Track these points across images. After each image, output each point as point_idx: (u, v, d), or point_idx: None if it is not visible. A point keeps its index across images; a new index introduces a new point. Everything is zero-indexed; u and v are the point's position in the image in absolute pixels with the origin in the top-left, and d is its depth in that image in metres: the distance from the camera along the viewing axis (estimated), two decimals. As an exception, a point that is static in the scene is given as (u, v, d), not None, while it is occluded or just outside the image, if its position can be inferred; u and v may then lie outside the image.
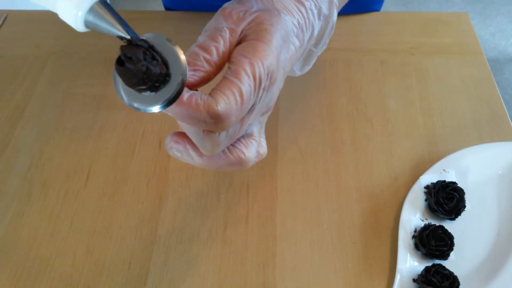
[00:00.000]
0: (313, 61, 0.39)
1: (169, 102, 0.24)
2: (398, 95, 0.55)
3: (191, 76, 0.27)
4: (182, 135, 0.30)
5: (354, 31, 0.62)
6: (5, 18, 0.66)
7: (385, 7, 0.71)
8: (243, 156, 0.30)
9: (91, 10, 0.23)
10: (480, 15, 1.94)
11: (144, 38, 0.24)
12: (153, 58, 0.23)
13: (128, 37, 0.23)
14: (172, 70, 0.24)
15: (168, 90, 0.24)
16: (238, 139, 0.31)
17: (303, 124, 0.53)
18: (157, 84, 0.23)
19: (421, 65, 0.58)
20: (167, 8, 0.71)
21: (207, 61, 0.27)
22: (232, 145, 0.30)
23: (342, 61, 0.59)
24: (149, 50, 0.23)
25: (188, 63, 0.27)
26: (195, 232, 0.45)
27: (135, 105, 0.24)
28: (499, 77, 1.70)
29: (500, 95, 0.55)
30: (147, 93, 0.24)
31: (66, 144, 0.52)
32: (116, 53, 0.23)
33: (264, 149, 0.34)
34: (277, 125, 0.53)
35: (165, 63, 0.24)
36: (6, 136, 0.52)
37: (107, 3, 0.23)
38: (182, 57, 0.24)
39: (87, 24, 0.23)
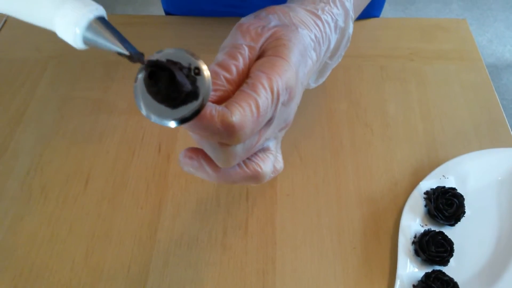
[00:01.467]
0: (328, 73, 0.39)
1: (185, 120, 0.23)
2: (397, 101, 0.56)
3: (211, 96, 0.26)
4: (196, 150, 0.29)
5: (354, 36, 0.62)
6: (5, 21, 0.66)
7: (384, 13, 0.71)
8: (259, 170, 0.30)
9: (89, 27, 0.22)
10: (478, 21, 1.96)
11: (166, 53, 0.23)
12: (187, 77, 0.23)
13: (127, 53, 0.22)
14: (198, 88, 0.23)
15: (187, 108, 0.23)
16: (255, 153, 0.30)
17: (302, 129, 0.53)
18: (179, 102, 0.23)
19: (420, 70, 0.59)
20: (167, 13, 0.71)
21: (227, 80, 0.27)
22: (248, 158, 0.30)
23: (341, 66, 0.59)
24: (183, 68, 0.23)
25: None
26: (194, 237, 0.45)
27: (153, 117, 0.23)
28: (497, 83, 1.71)
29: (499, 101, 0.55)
30: (167, 107, 0.23)
31: (66, 147, 0.52)
32: (140, 67, 0.23)
33: (280, 164, 0.33)
34: (277, 130, 0.53)
35: (193, 82, 0.23)
36: (6, 139, 0.52)
37: (105, 19, 0.23)
38: (207, 74, 0.23)
39: (85, 41, 0.23)
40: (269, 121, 0.28)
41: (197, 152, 0.29)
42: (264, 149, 0.31)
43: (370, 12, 0.65)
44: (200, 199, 0.48)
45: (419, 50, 0.61)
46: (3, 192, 0.48)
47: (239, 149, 0.27)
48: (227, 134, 0.25)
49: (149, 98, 0.23)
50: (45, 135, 0.53)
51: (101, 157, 0.51)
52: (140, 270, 0.43)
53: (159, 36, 0.64)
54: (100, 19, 0.23)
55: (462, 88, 0.57)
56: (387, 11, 1.98)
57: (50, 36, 0.63)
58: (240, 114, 0.25)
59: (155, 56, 0.24)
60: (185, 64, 0.23)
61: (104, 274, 0.43)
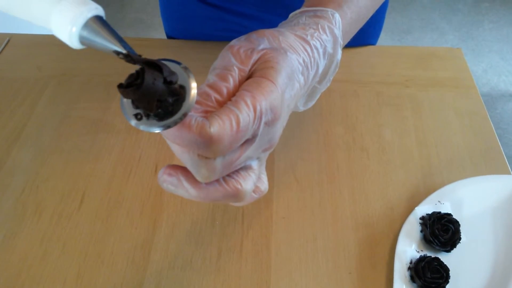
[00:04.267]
0: (317, 97, 0.39)
1: (168, 126, 0.24)
2: (393, 126, 0.56)
3: (200, 114, 0.26)
4: (175, 167, 0.29)
5: (351, 63, 0.64)
6: (8, 41, 0.67)
7: (380, 42, 0.73)
8: (239, 187, 0.29)
9: (86, 25, 0.22)
10: (473, 52, 2.00)
11: (163, 62, 0.24)
12: (170, 86, 0.23)
13: (125, 51, 0.22)
14: (182, 101, 0.24)
15: (169, 117, 0.24)
16: (236, 171, 0.30)
17: (299, 152, 0.53)
18: (160, 111, 0.23)
19: (416, 97, 0.60)
20: (169, 37, 0.73)
21: (217, 101, 0.27)
22: (228, 175, 0.30)
23: (338, 92, 0.60)
24: (168, 77, 0.23)
25: (199, 102, 0.27)
26: (188, 259, 0.44)
27: (133, 123, 0.24)
28: (492, 112, 1.73)
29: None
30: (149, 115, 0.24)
31: (62, 166, 0.52)
32: (124, 74, 0.23)
33: (265, 185, 0.33)
34: (274, 152, 0.53)
35: (178, 93, 0.24)
36: (3, 156, 0.52)
37: (103, 18, 0.23)
38: (193, 92, 0.24)
39: (82, 40, 0.23)
40: (252, 139, 0.29)
41: (175, 169, 0.29)
42: (246, 167, 0.31)
43: (366, 40, 0.67)
44: (195, 220, 0.47)
45: (415, 77, 0.62)
46: (-4, 209, 0.48)
47: (218, 164, 0.27)
48: (204, 145, 0.25)
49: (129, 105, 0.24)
50: (42, 153, 0.53)
51: (97, 177, 0.51)
52: (132, 291, 0.42)
53: (161, 58, 0.65)
54: (97, 18, 0.23)
55: (457, 115, 0.57)
56: (383, 40, 2.02)
57: (51, 56, 0.65)
58: (219, 126, 0.25)
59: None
60: (170, 72, 0.24)
61: (95, 295, 0.42)
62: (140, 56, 0.23)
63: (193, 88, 0.24)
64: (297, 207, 0.48)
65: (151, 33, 2.05)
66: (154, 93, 0.22)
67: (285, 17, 0.64)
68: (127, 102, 0.24)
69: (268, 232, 0.47)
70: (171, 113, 0.24)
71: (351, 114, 0.57)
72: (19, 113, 0.57)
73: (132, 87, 0.22)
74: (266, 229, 0.47)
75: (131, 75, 0.23)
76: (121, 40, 0.22)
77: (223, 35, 0.67)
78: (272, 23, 0.65)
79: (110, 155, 0.53)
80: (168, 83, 0.23)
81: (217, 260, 0.44)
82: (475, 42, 2.05)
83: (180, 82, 0.24)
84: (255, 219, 0.47)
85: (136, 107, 0.24)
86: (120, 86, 0.23)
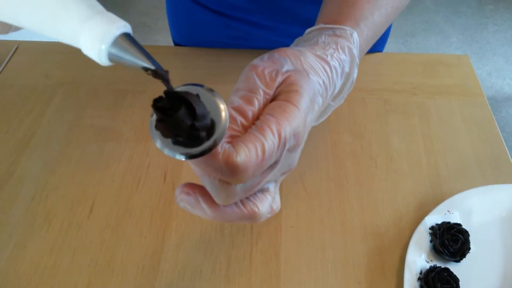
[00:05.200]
0: (329, 113, 0.39)
1: (193, 157, 0.23)
2: (401, 134, 0.56)
3: (226, 140, 0.26)
4: (193, 186, 0.29)
5: (358, 70, 0.64)
6: (16, 48, 0.68)
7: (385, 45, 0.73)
8: (256, 210, 0.29)
9: (115, 43, 0.22)
10: (477, 55, 1.99)
11: (186, 89, 0.23)
12: (202, 117, 0.22)
13: (153, 67, 0.22)
14: (213, 128, 0.23)
15: (197, 145, 0.23)
16: (253, 193, 0.30)
17: (307, 161, 0.53)
18: (190, 141, 0.23)
19: (423, 105, 0.60)
20: (176, 43, 0.73)
21: (243, 125, 0.27)
22: (246, 197, 0.30)
23: (346, 100, 0.59)
24: (196, 108, 0.22)
25: None
26: (198, 269, 0.45)
27: (166, 151, 0.23)
28: (497, 115, 1.72)
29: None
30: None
31: (72, 175, 0.52)
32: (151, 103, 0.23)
33: (277, 205, 0.33)
34: (282, 161, 0.53)
35: (210, 124, 0.23)
36: (12, 165, 0.53)
37: (131, 35, 0.23)
38: (224, 121, 0.23)
39: (110, 57, 0.23)
40: (273, 165, 0.28)
41: (194, 188, 0.28)
42: (263, 190, 0.31)
43: (373, 47, 0.67)
44: (204, 229, 0.47)
45: (422, 84, 0.62)
46: (7, 218, 0.48)
47: (239, 189, 0.27)
48: (229, 173, 0.25)
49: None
50: (51, 162, 0.53)
51: (106, 185, 0.51)
52: (142, 301, 0.42)
53: (167, 65, 0.65)
54: (126, 35, 0.23)
55: (464, 123, 0.57)
56: (387, 43, 2.02)
57: (59, 63, 0.65)
58: (246, 155, 0.25)
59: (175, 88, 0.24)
60: (202, 110, 0.23)
61: (106, 305, 0.42)
62: (167, 72, 0.23)
63: (223, 112, 0.23)
64: (305, 216, 0.48)
65: (155, 37, 2.06)
66: (185, 127, 0.22)
67: (291, 24, 0.64)
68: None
69: (277, 242, 0.47)
70: (200, 140, 0.23)
71: (359, 122, 0.57)
72: (28, 121, 0.57)
73: (163, 121, 0.22)
74: (275, 238, 0.47)
75: (160, 99, 0.22)
76: (149, 57, 0.22)
77: (230, 43, 0.67)
78: (279, 31, 0.66)
79: (119, 163, 0.53)
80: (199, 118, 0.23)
81: (227, 270, 0.45)
82: (479, 45, 2.04)
83: (210, 109, 0.23)
84: (264, 229, 0.48)
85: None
86: (155, 106, 0.22)
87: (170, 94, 0.22)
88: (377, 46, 0.68)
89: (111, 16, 0.23)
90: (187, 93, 0.22)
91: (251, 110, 0.27)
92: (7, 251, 0.45)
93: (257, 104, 0.28)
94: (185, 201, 0.28)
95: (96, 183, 0.51)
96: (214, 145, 0.23)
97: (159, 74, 0.22)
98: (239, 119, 0.27)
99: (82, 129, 0.56)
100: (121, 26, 0.23)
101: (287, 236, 0.47)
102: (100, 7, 0.23)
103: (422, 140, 0.56)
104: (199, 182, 0.29)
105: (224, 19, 0.65)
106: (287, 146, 0.28)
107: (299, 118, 0.28)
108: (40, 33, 0.24)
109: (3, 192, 0.50)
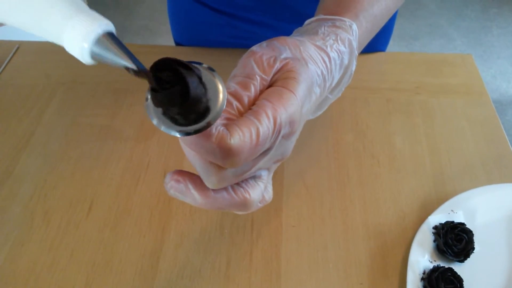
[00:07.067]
0: (327, 106, 0.39)
1: (187, 134, 0.23)
2: (404, 133, 0.55)
3: (221, 122, 0.26)
4: (183, 173, 0.28)
5: (361, 69, 0.63)
6: (17, 48, 0.68)
7: (388, 48, 0.72)
8: (247, 196, 0.29)
9: (98, 41, 0.22)
10: (481, 58, 1.98)
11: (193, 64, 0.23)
12: (204, 89, 0.22)
13: (135, 67, 0.22)
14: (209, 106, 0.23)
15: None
16: (245, 179, 0.30)
17: (309, 160, 0.52)
18: (191, 115, 0.23)
19: (426, 104, 0.59)
20: (178, 43, 0.73)
21: (238, 110, 0.27)
22: (237, 184, 0.29)
23: (348, 98, 0.59)
24: (201, 80, 0.22)
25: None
26: (197, 268, 0.44)
27: (155, 122, 0.23)
28: (502, 118, 1.71)
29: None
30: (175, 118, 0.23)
31: (71, 173, 0.51)
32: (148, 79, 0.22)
33: (269, 195, 0.32)
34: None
35: (204, 106, 0.23)
36: (11, 164, 0.52)
37: (114, 35, 0.23)
38: (221, 99, 0.23)
39: (93, 56, 0.23)
40: (266, 151, 0.28)
41: (183, 175, 0.28)
42: (255, 177, 0.30)
43: (376, 46, 0.66)
44: (203, 228, 0.47)
45: (425, 84, 0.62)
46: (5, 216, 0.47)
47: (230, 173, 0.27)
48: (221, 156, 0.24)
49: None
50: (50, 160, 0.53)
51: (105, 184, 0.50)
52: (140, 301, 0.42)
53: (168, 65, 0.65)
54: (109, 34, 0.23)
55: (468, 122, 0.57)
56: (391, 46, 2.00)
57: (60, 63, 0.65)
58: (240, 138, 0.24)
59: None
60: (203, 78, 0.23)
61: (103, 304, 0.42)
62: (149, 71, 0.22)
63: (221, 94, 0.23)
64: (307, 216, 0.48)
65: (158, 40, 2.06)
66: (200, 101, 0.22)
67: (294, 23, 0.63)
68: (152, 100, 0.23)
69: (278, 241, 0.46)
70: (193, 120, 0.23)
71: (361, 121, 0.57)
72: (27, 120, 0.57)
73: (155, 91, 0.22)
74: (276, 237, 0.46)
75: (156, 79, 0.22)
76: (131, 56, 0.22)
77: (231, 42, 0.67)
78: (281, 30, 0.65)
79: (118, 162, 0.52)
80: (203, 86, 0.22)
81: (226, 269, 0.44)
82: (484, 48, 2.03)
83: (208, 88, 0.23)
84: (264, 228, 0.47)
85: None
86: (153, 90, 0.22)
87: (174, 64, 0.22)
88: (380, 46, 0.67)
89: (95, 14, 0.23)
90: (189, 72, 0.22)
91: (247, 96, 0.27)
92: (5, 250, 0.45)
93: (253, 89, 0.27)
94: (174, 189, 0.28)
95: (95, 182, 0.51)
96: (209, 124, 0.23)
97: (140, 73, 0.22)
98: (235, 103, 0.27)
99: (82, 128, 0.56)
100: (104, 24, 0.22)
101: (288, 235, 0.46)
102: (84, 5, 0.23)
103: (426, 139, 0.55)
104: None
105: (225, 18, 0.65)
106: (282, 133, 0.27)
107: (296, 105, 0.27)
108: (24, 30, 0.24)
109: (2, 191, 0.50)
